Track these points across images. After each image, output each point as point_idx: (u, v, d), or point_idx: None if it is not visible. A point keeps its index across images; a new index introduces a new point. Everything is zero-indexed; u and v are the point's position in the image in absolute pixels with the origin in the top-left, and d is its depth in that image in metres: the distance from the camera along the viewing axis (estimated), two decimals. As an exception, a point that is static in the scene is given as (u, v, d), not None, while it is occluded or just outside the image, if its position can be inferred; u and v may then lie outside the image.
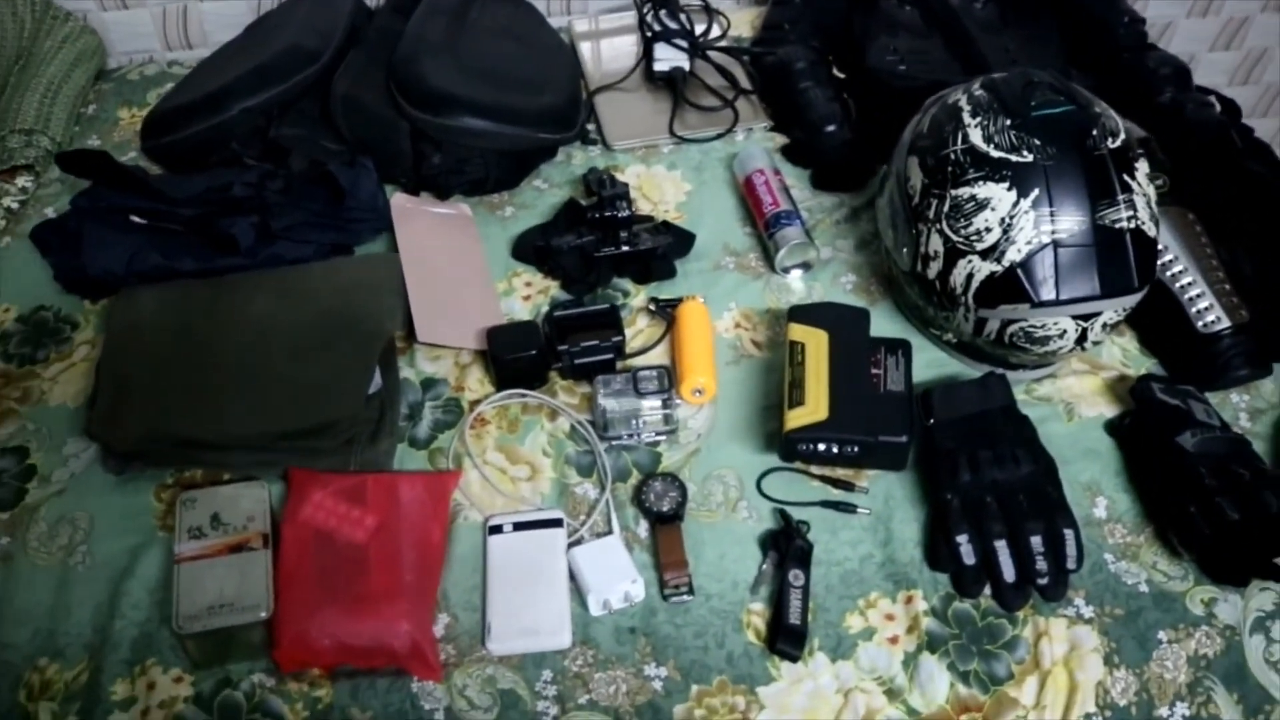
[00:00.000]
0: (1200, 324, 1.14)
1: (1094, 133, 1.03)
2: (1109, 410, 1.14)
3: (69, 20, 1.55)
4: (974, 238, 1.04)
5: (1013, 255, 1.03)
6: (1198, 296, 1.15)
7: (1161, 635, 0.98)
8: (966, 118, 1.06)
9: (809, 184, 1.40)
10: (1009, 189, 1.02)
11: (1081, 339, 1.07)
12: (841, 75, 1.54)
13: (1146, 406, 1.09)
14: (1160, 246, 1.18)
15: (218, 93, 1.32)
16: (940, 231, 1.07)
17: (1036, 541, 0.96)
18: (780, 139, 1.46)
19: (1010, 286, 1.04)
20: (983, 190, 1.03)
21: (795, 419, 1.04)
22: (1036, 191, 1.01)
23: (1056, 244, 1.02)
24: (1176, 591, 1.00)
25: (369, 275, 1.20)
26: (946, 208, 1.06)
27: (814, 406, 1.04)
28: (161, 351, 1.11)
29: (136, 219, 1.19)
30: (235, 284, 1.18)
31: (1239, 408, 1.15)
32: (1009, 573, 0.96)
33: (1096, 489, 1.07)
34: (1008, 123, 1.04)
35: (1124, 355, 1.19)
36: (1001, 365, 1.15)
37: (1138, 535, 1.04)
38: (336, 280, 1.19)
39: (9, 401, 1.15)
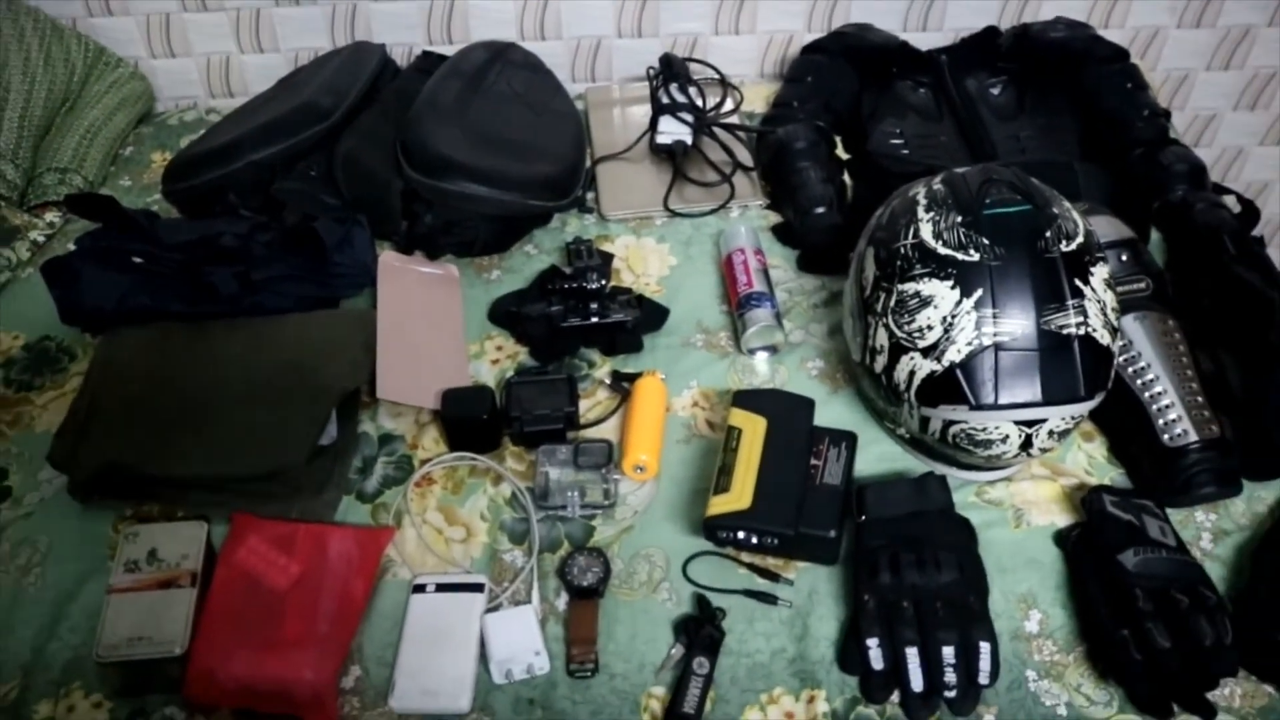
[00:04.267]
0: (1166, 436, 1.09)
1: (1047, 234, 1.01)
2: (1062, 520, 1.10)
3: (119, 66, 1.65)
4: (916, 335, 1.03)
5: (953, 355, 1.01)
6: (1167, 407, 1.11)
7: (1072, 763, 0.94)
8: (921, 211, 1.05)
9: (795, 265, 1.39)
10: (953, 287, 1.00)
11: (1026, 445, 1.04)
12: (846, 157, 1.53)
13: (1095, 519, 1.05)
14: (1134, 353, 1.15)
15: (229, 144, 1.38)
16: (886, 326, 1.06)
17: (948, 652, 0.93)
18: (775, 218, 1.46)
19: (950, 387, 1.02)
20: (927, 287, 1.02)
21: (716, 505, 1.03)
22: (980, 292, 0.99)
23: (998, 346, 1.00)
24: (1096, 718, 0.96)
25: (340, 331, 1.23)
26: (893, 302, 1.05)
27: (738, 494, 1.03)
28: (131, 389, 1.16)
29: (137, 259, 1.25)
30: (213, 330, 1.23)
31: (1203, 527, 1.09)
32: (917, 681, 0.93)
33: (1032, 601, 1.03)
34: (958, 219, 1.02)
35: (1089, 463, 1.15)
36: (953, 465, 1.13)
37: (1067, 654, 0.99)
38: (307, 333, 1.22)
39: (1, 425, 1.23)
